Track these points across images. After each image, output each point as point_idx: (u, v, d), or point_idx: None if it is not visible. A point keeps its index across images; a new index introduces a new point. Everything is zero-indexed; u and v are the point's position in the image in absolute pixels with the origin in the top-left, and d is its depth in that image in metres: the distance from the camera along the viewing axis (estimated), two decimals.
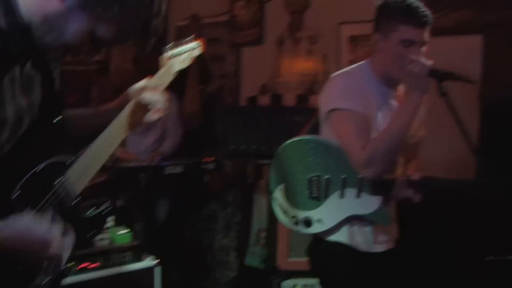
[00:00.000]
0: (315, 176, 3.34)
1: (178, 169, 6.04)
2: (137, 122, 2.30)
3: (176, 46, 2.58)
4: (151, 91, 2.36)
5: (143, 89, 2.38)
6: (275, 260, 5.16)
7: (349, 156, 3.20)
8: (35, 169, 2.05)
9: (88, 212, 2.24)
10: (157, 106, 2.32)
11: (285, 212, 3.43)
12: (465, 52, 4.34)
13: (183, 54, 2.63)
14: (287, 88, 6.01)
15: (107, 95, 7.40)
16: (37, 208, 2.03)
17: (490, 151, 3.47)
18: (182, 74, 7.62)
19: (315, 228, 3.34)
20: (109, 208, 2.30)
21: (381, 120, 3.26)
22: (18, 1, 1.87)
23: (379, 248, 3.37)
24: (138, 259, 4.48)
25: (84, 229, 2.19)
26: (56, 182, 2.08)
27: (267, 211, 5.23)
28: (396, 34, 3.16)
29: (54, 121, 2.14)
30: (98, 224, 2.29)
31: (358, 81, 3.27)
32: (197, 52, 2.71)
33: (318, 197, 3.34)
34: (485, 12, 4.39)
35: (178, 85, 7.35)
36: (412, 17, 3.11)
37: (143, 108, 2.31)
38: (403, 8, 3.13)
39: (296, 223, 3.38)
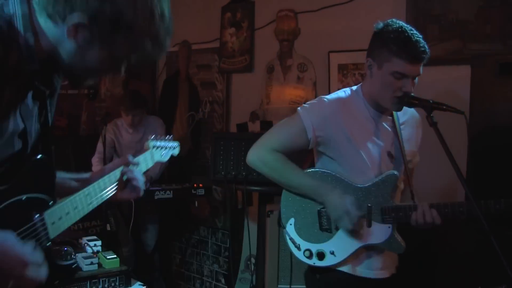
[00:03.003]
0: (324, 208, 3.33)
1: (168, 195, 6.05)
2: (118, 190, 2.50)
3: (157, 139, 2.94)
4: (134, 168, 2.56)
5: (125, 163, 2.54)
6: (264, 287, 5.16)
7: (258, 140, 3.41)
8: (20, 197, 2.05)
9: (58, 259, 2.23)
10: (136, 183, 2.48)
11: (297, 246, 3.38)
12: (455, 82, 4.39)
13: (164, 149, 2.97)
14: (277, 115, 6.03)
15: (96, 119, 7.42)
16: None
17: (478, 179, 3.50)
18: (172, 100, 7.66)
19: (329, 261, 3.31)
20: (76, 264, 2.32)
21: (371, 141, 3.30)
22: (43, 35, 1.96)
23: (381, 274, 3.35)
24: (127, 284, 4.46)
25: (52, 273, 2.13)
26: (35, 217, 2.07)
27: (257, 237, 5.24)
28: (389, 65, 3.13)
29: (39, 157, 2.13)
30: (63, 274, 2.26)
31: (345, 107, 3.29)
32: (176, 151, 3.10)
33: (329, 229, 3.34)
34: (472, 42, 4.46)
35: (168, 110, 7.42)
36: (408, 52, 3.07)
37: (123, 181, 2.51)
38: (400, 41, 3.08)
39: (310, 256, 3.34)
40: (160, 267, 7.08)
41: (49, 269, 2.08)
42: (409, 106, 3.17)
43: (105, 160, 6.34)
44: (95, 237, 4.69)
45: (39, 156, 2.13)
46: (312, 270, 3.42)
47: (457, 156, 2.78)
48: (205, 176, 6.70)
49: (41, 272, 1.98)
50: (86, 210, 2.30)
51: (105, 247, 4.77)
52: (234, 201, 6.25)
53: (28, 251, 1.93)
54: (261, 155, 3.36)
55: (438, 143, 2.84)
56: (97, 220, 5.95)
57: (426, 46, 3.10)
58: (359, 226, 3.23)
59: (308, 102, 3.42)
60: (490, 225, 2.54)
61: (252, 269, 5.70)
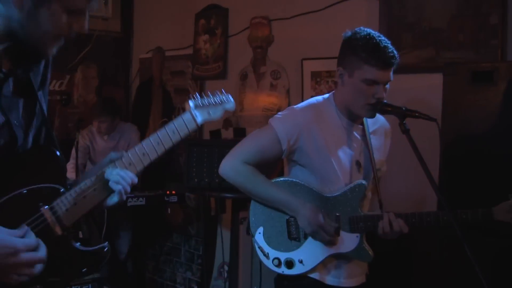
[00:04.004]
0: (293, 217, 3.34)
1: (140, 201, 6.01)
2: None
3: (203, 96, 2.43)
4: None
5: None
6: None
7: (231, 151, 3.37)
8: (21, 190, 2.08)
9: (81, 246, 2.23)
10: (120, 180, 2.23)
11: (266, 254, 3.38)
12: (428, 89, 4.41)
13: (212, 106, 2.45)
14: (250, 122, 6.03)
15: (69, 126, 7.37)
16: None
17: (450, 186, 3.51)
18: (146, 106, 7.62)
19: (298, 269, 3.31)
20: (106, 249, 2.27)
21: (342, 149, 3.32)
22: None
23: (350, 283, 3.37)
24: None
25: (75, 261, 2.19)
26: (42, 207, 2.10)
27: (230, 244, 5.23)
28: (360, 72, 3.16)
29: (38, 148, 2.19)
30: (91, 261, 2.26)
31: (318, 115, 3.32)
32: (230, 105, 2.51)
33: (297, 238, 3.34)
34: (445, 51, 4.49)
35: (141, 116, 7.39)
36: (378, 58, 3.10)
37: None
38: (369, 48, 3.12)
39: (278, 264, 3.34)
40: (133, 274, 7.04)
41: (72, 257, 2.16)
42: (382, 113, 3.20)
43: (78, 167, 6.31)
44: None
45: (37, 148, 2.19)
46: (281, 277, 3.42)
47: (429, 164, 2.80)
48: (178, 183, 6.68)
49: (38, 254, 2.01)
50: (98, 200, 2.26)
51: None
52: (207, 208, 6.24)
53: (17, 239, 1.97)
54: (234, 167, 3.34)
55: (411, 150, 2.86)
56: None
57: (395, 52, 3.15)
58: (335, 235, 3.24)
59: (279, 113, 3.45)
60: (463, 232, 2.55)
61: (225, 276, 5.69)
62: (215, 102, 2.44)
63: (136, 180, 2.24)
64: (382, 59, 3.10)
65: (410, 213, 3.17)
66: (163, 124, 6.96)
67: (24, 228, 2.04)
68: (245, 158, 3.32)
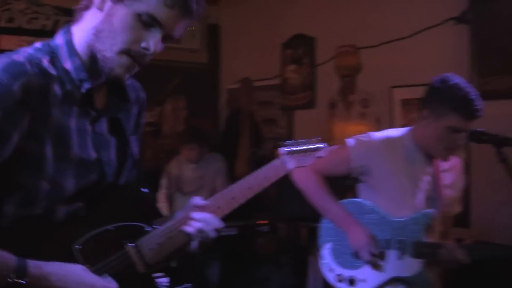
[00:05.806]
0: None
1: (231, 231, 6.05)
2: None
3: (297, 144, 2.37)
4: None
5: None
6: None
7: None
8: (108, 226, 2.09)
9: (163, 285, 2.26)
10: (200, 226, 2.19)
11: (331, 269, 3.55)
12: None
13: (304, 152, 2.40)
14: None
15: (160, 156, 7.50)
16: (99, 264, 2.05)
17: None
18: (234, 137, 7.62)
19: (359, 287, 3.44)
20: None
21: (413, 182, 3.43)
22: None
23: None
24: None
25: None
26: (126, 244, 2.12)
27: (322, 275, 5.20)
28: (445, 120, 3.24)
29: (126, 186, 2.21)
30: None
31: (391, 147, 3.45)
32: (322, 152, 2.45)
33: None
34: None
35: (230, 147, 7.43)
36: (466, 109, 3.19)
37: None
38: (459, 99, 3.20)
39: (340, 280, 3.49)
40: None
41: None
42: (478, 142, 3.18)
43: (169, 196, 6.39)
44: (161, 274, 4.71)
45: (126, 186, 2.20)
46: None
47: None
48: (269, 212, 6.70)
49: None
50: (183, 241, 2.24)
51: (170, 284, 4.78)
52: (298, 238, 6.23)
53: (103, 281, 1.99)
54: (304, 174, 3.51)
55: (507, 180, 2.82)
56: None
57: (481, 103, 3.20)
58: (379, 259, 3.38)
59: (357, 136, 3.58)
60: None
61: None
62: (307, 149, 2.40)
63: (221, 225, 2.22)
64: (471, 111, 3.19)
65: (472, 244, 3.32)
66: (253, 154, 6.97)
67: (107, 278, 2.04)
68: (316, 168, 3.46)
